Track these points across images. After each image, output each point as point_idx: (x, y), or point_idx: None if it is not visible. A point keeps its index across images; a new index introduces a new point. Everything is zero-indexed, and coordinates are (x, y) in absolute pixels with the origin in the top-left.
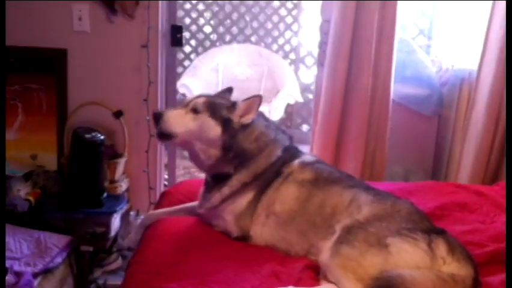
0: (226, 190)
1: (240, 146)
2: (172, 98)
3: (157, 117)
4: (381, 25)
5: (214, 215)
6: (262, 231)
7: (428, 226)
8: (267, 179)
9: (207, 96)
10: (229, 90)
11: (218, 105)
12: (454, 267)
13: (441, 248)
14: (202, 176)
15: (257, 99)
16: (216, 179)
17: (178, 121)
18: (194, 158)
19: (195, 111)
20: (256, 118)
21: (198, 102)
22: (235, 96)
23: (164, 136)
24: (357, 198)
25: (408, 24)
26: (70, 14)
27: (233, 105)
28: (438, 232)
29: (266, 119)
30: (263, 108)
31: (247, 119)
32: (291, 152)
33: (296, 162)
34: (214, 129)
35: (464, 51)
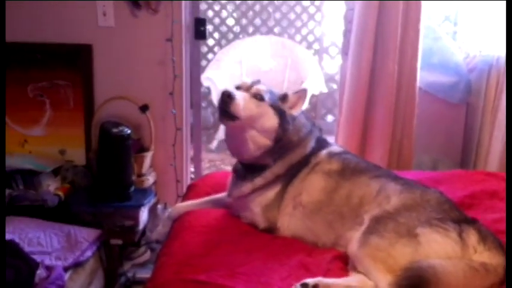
0: (259, 181)
1: (288, 138)
2: (197, 91)
3: (229, 98)
4: (407, 11)
5: (242, 205)
6: (289, 223)
7: (459, 215)
8: (296, 169)
9: (263, 84)
10: (258, 82)
11: (275, 95)
12: (485, 256)
13: (472, 237)
14: (227, 168)
15: (305, 92)
16: (250, 169)
17: (245, 104)
18: (240, 146)
19: (259, 97)
20: None
21: (261, 90)
22: None
23: (229, 117)
24: (385, 188)
25: (434, 11)
26: (95, 10)
27: (284, 97)
28: (469, 221)
29: (303, 110)
30: None
31: (296, 111)
32: (320, 143)
33: (324, 152)
34: (273, 120)
35: (491, 37)
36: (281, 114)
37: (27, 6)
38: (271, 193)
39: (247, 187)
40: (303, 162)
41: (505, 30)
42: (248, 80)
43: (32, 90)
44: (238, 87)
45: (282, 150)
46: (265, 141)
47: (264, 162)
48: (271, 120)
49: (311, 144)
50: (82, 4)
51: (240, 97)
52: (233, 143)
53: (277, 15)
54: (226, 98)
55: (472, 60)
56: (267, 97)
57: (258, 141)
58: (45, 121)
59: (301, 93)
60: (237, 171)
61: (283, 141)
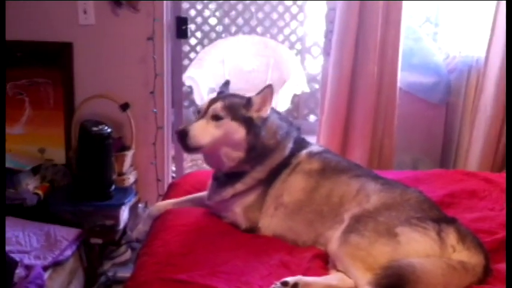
0: (240, 186)
1: (262, 143)
2: (179, 90)
3: (183, 135)
4: (388, 12)
5: (223, 207)
6: (270, 223)
7: (438, 215)
8: (277, 171)
9: (222, 99)
10: (227, 83)
11: (236, 106)
12: (464, 255)
13: (451, 236)
14: (209, 167)
15: (269, 90)
16: (230, 176)
17: (203, 133)
18: (215, 162)
19: (216, 118)
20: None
21: (217, 108)
22: (240, 88)
23: (192, 149)
24: (365, 187)
25: (415, 12)
26: (75, 8)
27: (248, 101)
28: (449, 221)
29: (277, 111)
30: None
31: (264, 112)
32: (299, 143)
33: (304, 152)
34: (239, 132)
35: (472, 38)
36: (247, 122)
37: (6, 4)
38: (252, 195)
39: (227, 192)
40: (284, 164)
41: (506, 30)
42: (204, 105)
43: (12, 88)
44: (198, 111)
45: (260, 155)
46: (238, 154)
47: (242, 170)
48: (238, 134)
49: (289, 145)
50: (62, 2)
51: (195, 127)
52: (209, 160)
53: (260, 15)
54: (180, 135)
55: (452, 61)
56: (224, 114)
57: (230, 155)
58: (24, 119)
59: (266, 93)
60: (218, 179)
61: (257, 148)
